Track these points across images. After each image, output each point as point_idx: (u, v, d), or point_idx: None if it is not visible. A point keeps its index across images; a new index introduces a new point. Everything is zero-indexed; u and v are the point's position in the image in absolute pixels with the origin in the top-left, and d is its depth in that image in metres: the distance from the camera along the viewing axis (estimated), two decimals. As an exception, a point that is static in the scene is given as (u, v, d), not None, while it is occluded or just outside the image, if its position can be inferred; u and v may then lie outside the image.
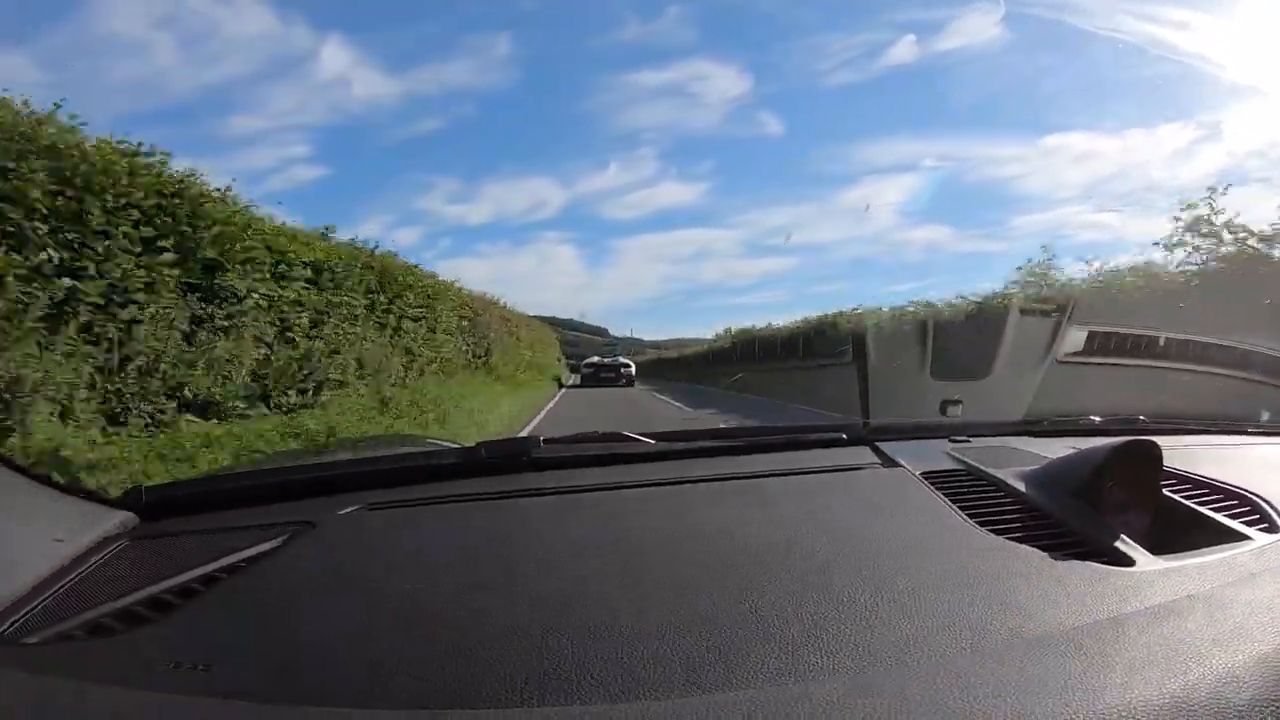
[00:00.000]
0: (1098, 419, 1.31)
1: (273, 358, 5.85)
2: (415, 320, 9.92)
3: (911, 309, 12.06)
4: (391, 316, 9.09)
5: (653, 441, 1.10)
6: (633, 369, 20.86)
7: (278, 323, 6.10)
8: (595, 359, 22.41)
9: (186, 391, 4.61)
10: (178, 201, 4.80)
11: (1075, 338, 1.95)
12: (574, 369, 25.48)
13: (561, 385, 19.74)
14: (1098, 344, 1.93)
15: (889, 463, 1.04)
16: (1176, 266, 8.00)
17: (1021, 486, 0.88)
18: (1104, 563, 0.69)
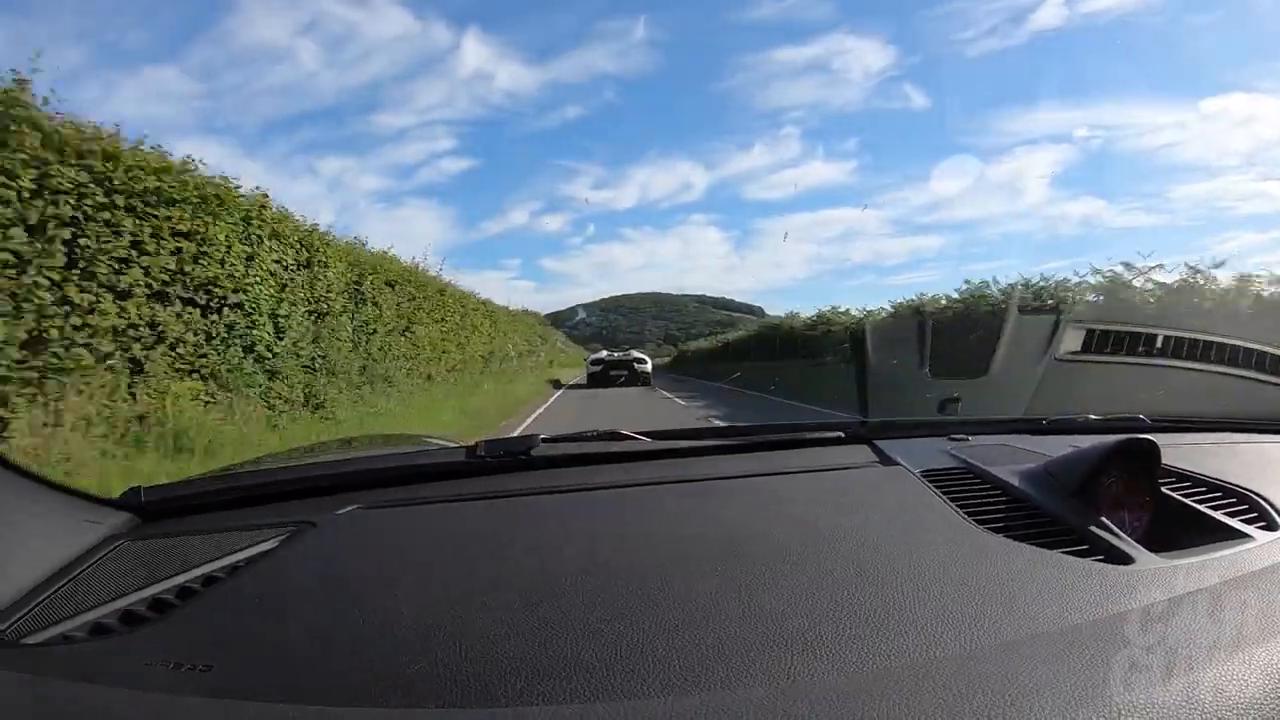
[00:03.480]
0: (1096, 417, 1.31)
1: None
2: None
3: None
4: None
5: (651, 440, 1.09)
6: (649, 365, 18.80)
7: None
8: (604, 354, 20.17)
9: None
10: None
11: (1073, 336, 1.95)
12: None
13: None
14: (1095, 342, 1.92)
15: (887, 461, 1.03)
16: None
17: (1020, 485, 0.88)
18: (1103, 561, 0.69)
